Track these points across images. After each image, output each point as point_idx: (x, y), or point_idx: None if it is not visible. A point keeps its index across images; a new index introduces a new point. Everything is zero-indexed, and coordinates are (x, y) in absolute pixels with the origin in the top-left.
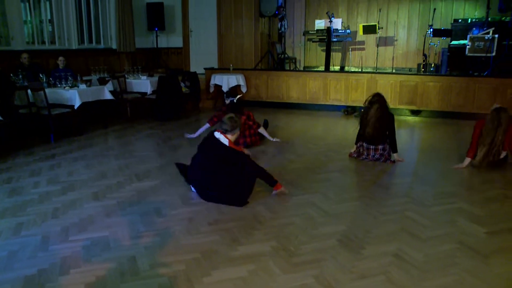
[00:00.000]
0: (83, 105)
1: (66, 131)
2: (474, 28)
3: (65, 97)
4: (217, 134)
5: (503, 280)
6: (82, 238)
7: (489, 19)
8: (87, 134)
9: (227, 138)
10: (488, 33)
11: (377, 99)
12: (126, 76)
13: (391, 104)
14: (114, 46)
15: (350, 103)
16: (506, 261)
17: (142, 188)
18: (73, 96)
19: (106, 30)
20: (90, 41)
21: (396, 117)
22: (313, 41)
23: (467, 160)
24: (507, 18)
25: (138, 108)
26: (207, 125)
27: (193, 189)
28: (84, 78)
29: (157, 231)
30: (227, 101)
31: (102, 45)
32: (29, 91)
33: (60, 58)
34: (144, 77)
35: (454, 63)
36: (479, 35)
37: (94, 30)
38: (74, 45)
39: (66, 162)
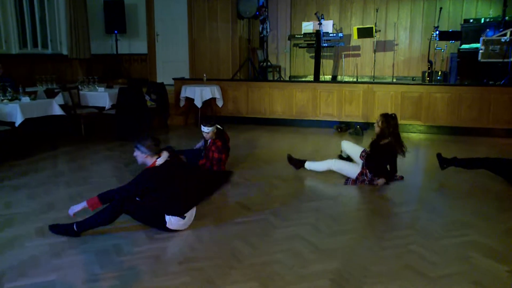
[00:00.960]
0: (26, 122)
1: (4, 153)
2: (488, 30)
3: (3, 112)
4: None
5: None
6: (21, 285)
7: (506, 18)
8: (31, 157)
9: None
10: (505, 34)
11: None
12: (79, 87)
13: None
14: (64, 52)
15: (343, 119)
16: None
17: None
18: (14, 111)
19: (55, 32)
20: (35, 45)
21: None
22: (300, 47)
23: None
24: None
25: (94, 126)
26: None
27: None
28: (28, 89)
29: (116, 272)
30: (207, 130)
31: (49, 50)
32: None
33: None
34: (101, 89)
35: (465, 71)
36: (494, 37)
37: (40, 32)
38: (14, 49)
39: (4, 191)
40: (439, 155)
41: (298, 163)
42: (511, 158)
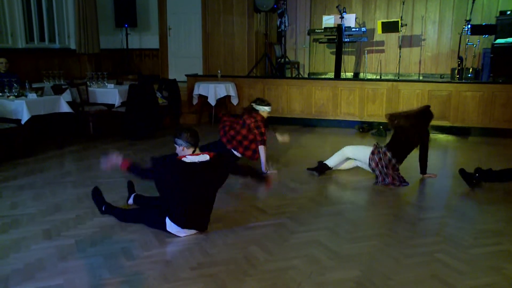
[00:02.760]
0: (33, 119)
1: (10, 152)
2: None
3: (9, 110)
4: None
5: None
6: None
7: None
8: (37, 156)
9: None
10: None
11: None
12: (88, 83)
13: None
14: (72, 46)
15: (366, 118)
16: None
17: (107, 224)
18: (20, 108)
19: (63, 26)
20: (42, 39)
21: None
22: (320, 42)
23: None
24: None
25: (103, 124)
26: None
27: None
28: (34, 85)
29: (125, 277)
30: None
31: (57, 45)
32: None
33: (1, 60)
34: (111, 85)
35: (499, 67)
36: None
37: (47, 26)
38: (21, 44)
39: (9, 191)
40: (461, 171)
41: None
42: None
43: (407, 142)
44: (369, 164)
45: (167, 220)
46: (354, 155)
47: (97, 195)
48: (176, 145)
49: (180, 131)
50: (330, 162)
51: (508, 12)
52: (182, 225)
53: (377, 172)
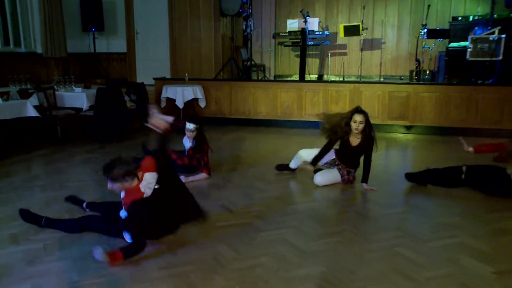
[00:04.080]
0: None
1: None
2: (476, 28)
3: None
4: None
5: None
6: None
7: (495, 16)
8: (3, 160)
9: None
10: (493, 33)
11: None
12: (55, 87)
13: (378, 119)
14: (39, 50)
15: None
16: None
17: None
18: None
19: (28, 29)
20: (7, 43)
21: (385, 135)
22: (285, 45)
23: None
24: None
25: (71, 128)
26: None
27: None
28: (0, 90)
29: (96, 279)
30: (192, 127)
31: (23, 49)
32: None
33: None
34: (78, 89)
35: (453, 70)
36: (483, 35)
37: (11, 29)
38: None
39: None
40: (408, 176)
41: (285, 167)
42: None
43: (348, 149)
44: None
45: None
46: (308, 157)
47: (27, 214)
48: (116, 183)
49: (116, 167)
50: (292, 165)
51: (460, 18)
52: (155, 237)
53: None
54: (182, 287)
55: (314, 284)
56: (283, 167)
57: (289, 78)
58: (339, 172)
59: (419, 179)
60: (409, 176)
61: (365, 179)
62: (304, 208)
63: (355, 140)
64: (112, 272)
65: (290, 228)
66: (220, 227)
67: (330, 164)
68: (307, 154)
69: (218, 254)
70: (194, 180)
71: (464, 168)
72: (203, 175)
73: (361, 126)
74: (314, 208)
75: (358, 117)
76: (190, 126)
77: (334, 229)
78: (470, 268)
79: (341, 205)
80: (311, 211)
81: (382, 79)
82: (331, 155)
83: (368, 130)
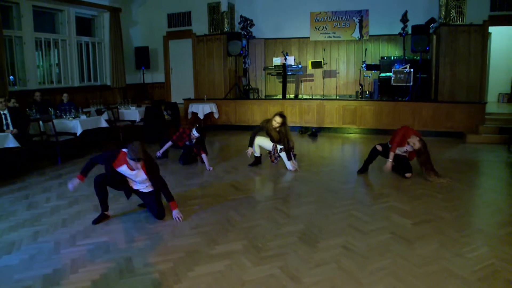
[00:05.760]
0: (84, 132)
1: (71, 154)
2: (396, 64)
3: (69, 126)
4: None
5: (424, 259)
6: (87, 243)
7: (406, 57)
8: (88, 156)
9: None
10: (406, 67)
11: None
12: (118, 107)
13: (336, 124)
14: (108, 83)
15: (303, 124)
16: (426, 244)
17: (136, 201)
18: (76, 125)
19: (102, 70)
20: (89, 79)
21: (341, 135)
22: (271, 75)
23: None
24: (418, 57)
25: (129, 134)
26: (170, 142)
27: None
28: (85, 110)
29: (148, 235)
30: (196, 134)
31: (98, 82)
32: (40, 122)
33: (65, 94)
34: (133, 108)
35: (383, 91)
36: (400, 69)
37: (92, 70)
38: (76, 83)
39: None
40: (360, 171)
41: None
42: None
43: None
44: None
45: None
46: (261, 143)
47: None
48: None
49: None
50: (256, 153)
51: (385, 57)
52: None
53: (272, 152)
54: (206, 240)
55: (296, 237)
56: (255, 163)
57: (275, 97)
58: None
59: (364, 168)
60: (360, 171)
61: (289, 157)
62: (288, 186)
63: (274, 133)
64: (158, 230)
65: (278, 199)
66: (230, 200)
67: (273, 149)
68: (260, 142)
69: (230, 218)
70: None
71: (379, 147)
72: (204, 156)
73: (276, 124)
74: (294, 185)
75: (277, 118)
76: (195, 133)
77: (309, 199)
78: (397, 221)
79: (313, 183)
80: (293, 188)
81: (338, 97)
82: (269, 144)
83: (284, 128)
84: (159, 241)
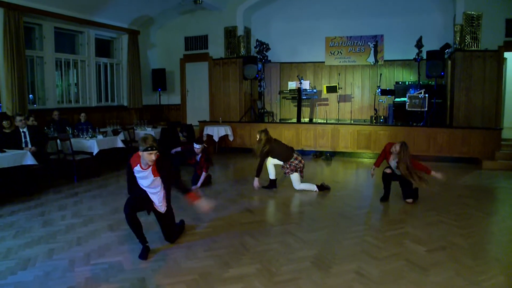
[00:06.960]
0: (100, 152)
1: (87, 173)
2: (411, 89)
3: (86, 146)
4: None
5: (438, 287)
6: (101, 262)
7: (421, 82)
8: (104, 175)
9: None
10: (420, 93)
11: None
12: (134, 128)
13: (350, 149)
14: (125, 103)
15: (318, 148)
16: (441, 272)
17: (149, 221)
18: (93, 144)
19: (119, 91)
20: (106, 100)
21: (355, 159)
22: (286, 99)
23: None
24: (433, 82)
25: None
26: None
27: None
28: (101, 129)
29: (161, 256)
30: (197, 146)
31: (115, 103)
32: (58, 141)
33: (82, 114)
34: (149, 129)
35: (398, 116)
36: (415, 94)
37: (110, 91)
38: (94, 103)
39: (87, 199)
40: (382, 199)
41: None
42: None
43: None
44: (282, 167)
45: None
46: (273, 162)
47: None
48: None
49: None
50: (271, 176)
51: (400, 82)
52: None
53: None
54: (220, 263)
55: (310, 262)
56: (270, 186)
57: (289, 121)
58: (285, 169)
59: (386, 196)
60: (382, 199)
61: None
62: (301, 210)
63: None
64: (171, 252)
65: (292, 223)
66: (244, 223)
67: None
68: (272, 162)
69: (244, 241)
70: (202, 181)
71: (387, 170)
72: (203, 174)
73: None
74: (308, 210)
75: (259, 135)
76: (197, 146)
77: (322, 224)
78: (411, 248)
79: (326, 208)
80: (306, 212)
81: (352, 122)
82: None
83: (263, 146)
84: (172, 262)
